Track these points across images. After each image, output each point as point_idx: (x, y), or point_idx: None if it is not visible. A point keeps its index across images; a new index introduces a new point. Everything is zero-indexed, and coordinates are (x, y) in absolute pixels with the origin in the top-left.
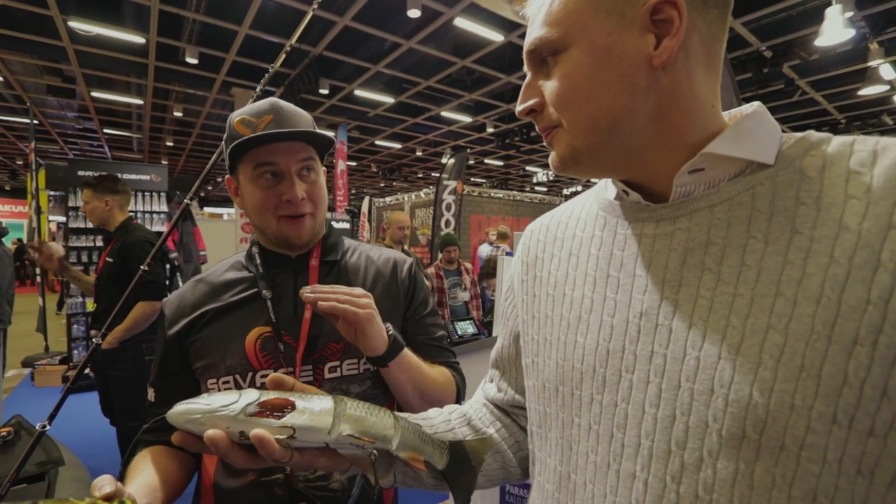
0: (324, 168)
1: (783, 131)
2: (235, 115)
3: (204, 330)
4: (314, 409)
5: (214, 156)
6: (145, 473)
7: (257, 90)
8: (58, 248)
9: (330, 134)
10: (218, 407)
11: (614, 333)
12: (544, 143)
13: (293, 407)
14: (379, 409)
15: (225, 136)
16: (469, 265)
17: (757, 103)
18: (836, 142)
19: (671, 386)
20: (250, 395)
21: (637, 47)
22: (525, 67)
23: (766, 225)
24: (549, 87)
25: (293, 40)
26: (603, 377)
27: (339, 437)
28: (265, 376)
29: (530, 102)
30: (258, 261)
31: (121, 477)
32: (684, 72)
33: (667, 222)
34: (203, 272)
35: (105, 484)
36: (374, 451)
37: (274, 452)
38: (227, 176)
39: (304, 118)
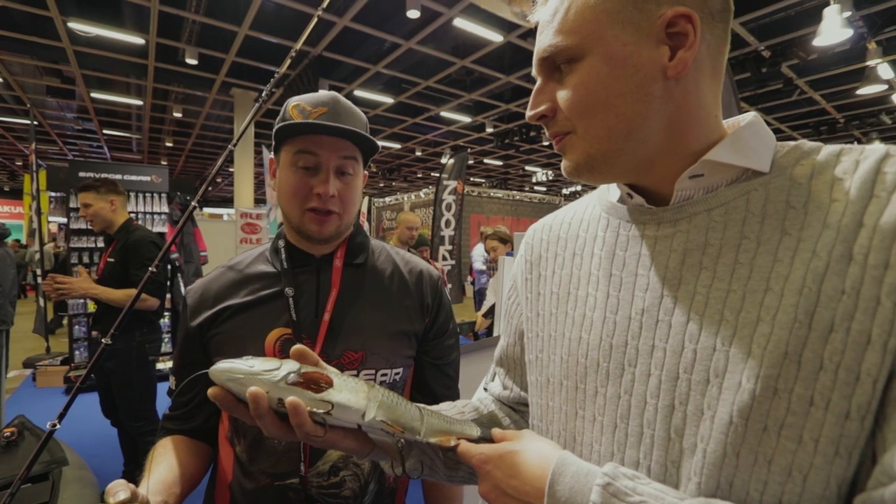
0: (365, 172)
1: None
2: (293, 100)
3: (225, 324)
4: (351, 389)
5: (221, 158)
6: (163, 467)
7: (263, 94)
8: (79, 277)
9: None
10: (260, 371)
11: (617, 329)
12: (545, 144)
13: (330, 384)
14: (406, 400)
15: (278, 117)
16: (438, 265)
17: (753, 113)
18: (825, 151)
19: (670, 377)
20: (291, 365)
21: (652, 58)
22: (535, 73)
23: (758, 227)
24: (564, 94)
25: (298, 46)
26: (606, 371)
27: (372, 422)
28: None
29: (542, 108)
30: (283, 256)
31: (125, 476)
32: (693, 82)
33: (667, 224)
34: (230, 261)
35: (119, 489)
36: (402, 440)
37: (305, 423)
38: (270, 156)
39: (358, 119)
